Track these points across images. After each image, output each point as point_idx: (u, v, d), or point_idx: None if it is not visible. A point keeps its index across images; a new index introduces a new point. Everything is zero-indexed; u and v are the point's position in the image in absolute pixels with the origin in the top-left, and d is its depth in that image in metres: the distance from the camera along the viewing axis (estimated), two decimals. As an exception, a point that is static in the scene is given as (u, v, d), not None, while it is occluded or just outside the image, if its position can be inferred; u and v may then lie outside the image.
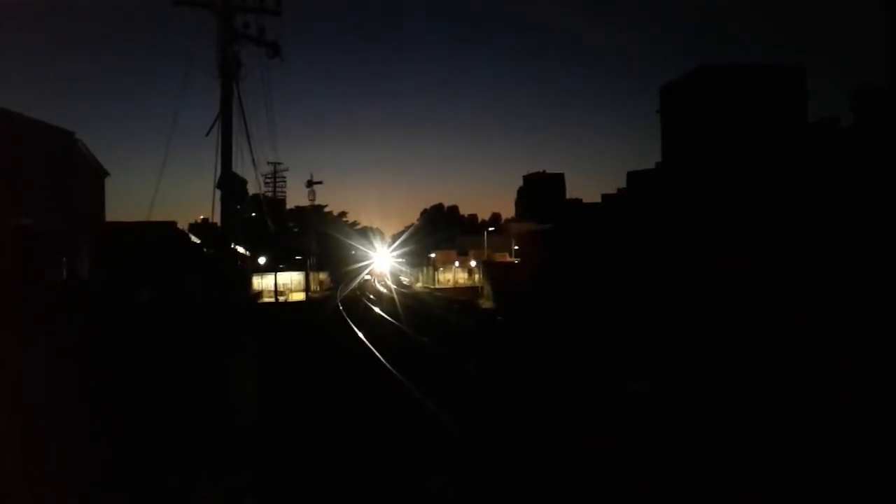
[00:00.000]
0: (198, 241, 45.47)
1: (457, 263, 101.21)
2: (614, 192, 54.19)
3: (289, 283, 71.99)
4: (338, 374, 20.39)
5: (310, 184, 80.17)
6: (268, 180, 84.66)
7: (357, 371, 21.00)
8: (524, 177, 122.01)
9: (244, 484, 9.96)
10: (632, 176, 47.33)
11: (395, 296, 68.55)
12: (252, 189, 22.66)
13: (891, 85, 28.27)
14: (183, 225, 54.20)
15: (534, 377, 18.23)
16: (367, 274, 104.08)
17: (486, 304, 54.39)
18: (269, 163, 73.13)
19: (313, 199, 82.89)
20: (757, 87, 41.44)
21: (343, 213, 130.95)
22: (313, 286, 79.55)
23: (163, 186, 51.99)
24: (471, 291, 70.30)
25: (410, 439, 12.55)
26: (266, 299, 61.68)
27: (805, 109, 42.36)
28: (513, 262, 72.20)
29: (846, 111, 35.35)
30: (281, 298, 62.27)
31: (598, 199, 55.49)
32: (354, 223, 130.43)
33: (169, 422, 12.83)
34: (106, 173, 37.96)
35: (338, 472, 10.71)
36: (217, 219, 18.27)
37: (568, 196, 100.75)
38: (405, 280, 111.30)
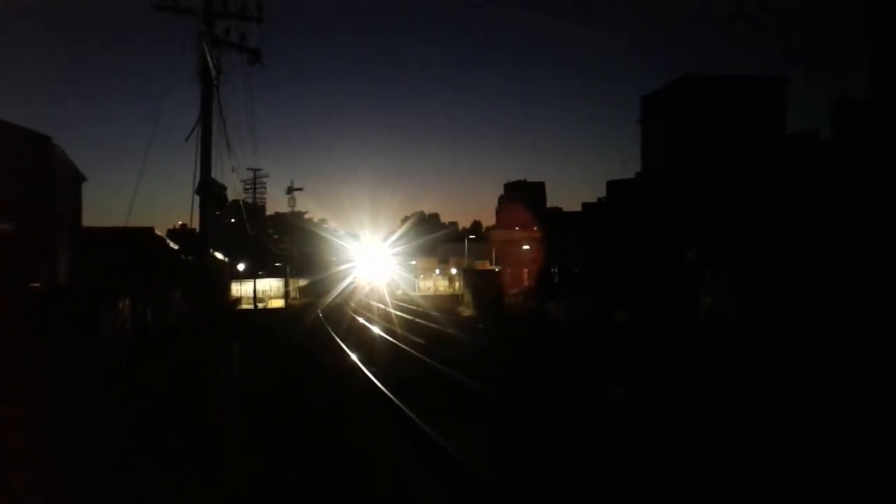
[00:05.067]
0: (176, 248, 45.10)
1: (437, 271, 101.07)
2: (594, 200, 54.32)
3: (268, 289, 71.55)
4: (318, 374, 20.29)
5: (290, 190, 79.80)
6: (247, 186, 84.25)
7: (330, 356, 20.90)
8: (505, 185, 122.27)
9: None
10: (612, 185, 47.56)
11: (377, 304, 68.36)
12: (231, 195, 22.54)
13: (870, 96, 28.64)
14: (161, 231, 53.72)
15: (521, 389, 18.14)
16: (352, 283, 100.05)
17: (466, 311, 54.31)
18: (248, 169, 72.83)
19: (293, 206, 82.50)
20: (737, 98, 41.91)
21: (323, 220, 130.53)
22: (293, 293, 79.07)
23: (141, 192, 51.69)
24: (451, 299, 70.21)
25: (399, 429, 12.51)
26: (245, 306, 61.28)
27: (784, 120, 42.88)
28: (493, 270, 72.26)
29: (827, 122, 35.86)
30: (260, 305, 61.91)
31: (579, 208, 55.66)
32: (335, 230, 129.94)
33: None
34: (83, 178, 37.58)
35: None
36: (196, 225, 18.18)
37: (549, 205, 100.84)
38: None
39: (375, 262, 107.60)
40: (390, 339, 31.37)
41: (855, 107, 28.82)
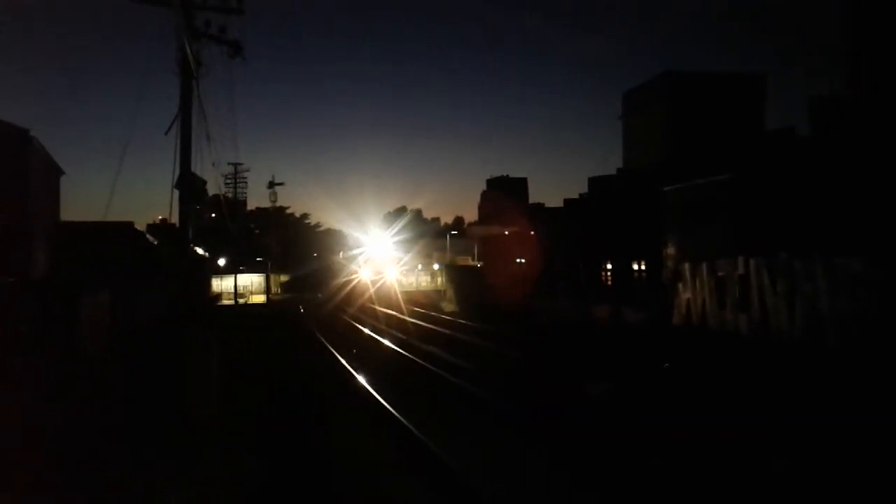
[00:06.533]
0: (155, 242, 44.78)
1: (419, 266, 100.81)
2: (576, 196, 54.48)
3: (249, 284, 71.18)
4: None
5: (271, 185, 79.52)
6: (228, 181, 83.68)
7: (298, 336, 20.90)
8: (487, 181, 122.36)
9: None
10: (593, 181, 47.75)
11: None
12: (212, 189, 22.43)
13: (847, 95, 28.97)
14: (141, 225, 53.24)
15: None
16: (352, 280, 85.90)
17: (448, 307, 54.38)
18: (229, 163, 72.30)
19: (275, 201, 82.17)
20: (717, 94, 42.21)
21: (305, 215, 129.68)
22: (274, 288, 78.72)
23: (120, 186, 51.21)
24: (434, 295, 70.18)
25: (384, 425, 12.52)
26: (226, 301, 60.95)
27: (763, 116, 43.26)
28: (475, 266, 72.30)
29: (804, 120, 36.29)
30: (241, 301, 61.60)
31: (561, 204, 55.81)
32: (317, 225, 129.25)
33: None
34: (61, 172, 37.21)
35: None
36: (175, 219, 18.05)
37: (531, 201, 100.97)
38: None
39: (381, 257, 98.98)
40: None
41: (831, 104, 29.13)
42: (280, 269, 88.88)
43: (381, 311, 45.20)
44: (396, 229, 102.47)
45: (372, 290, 63.15)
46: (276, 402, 16.29)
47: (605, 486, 9.62)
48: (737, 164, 28.42)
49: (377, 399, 15.32)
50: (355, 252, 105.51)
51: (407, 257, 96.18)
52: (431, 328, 34.29)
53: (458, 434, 12.60)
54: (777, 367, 18.75)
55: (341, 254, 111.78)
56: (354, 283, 74.44)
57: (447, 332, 32.03)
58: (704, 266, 25.85)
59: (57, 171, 36.50)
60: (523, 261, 54.29)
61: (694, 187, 29.57)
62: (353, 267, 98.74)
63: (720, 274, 24.95)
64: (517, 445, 12.06)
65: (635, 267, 37.88)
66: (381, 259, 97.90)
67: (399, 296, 55.14)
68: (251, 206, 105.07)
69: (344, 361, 21.82)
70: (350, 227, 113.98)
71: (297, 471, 10.62)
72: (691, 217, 29.62)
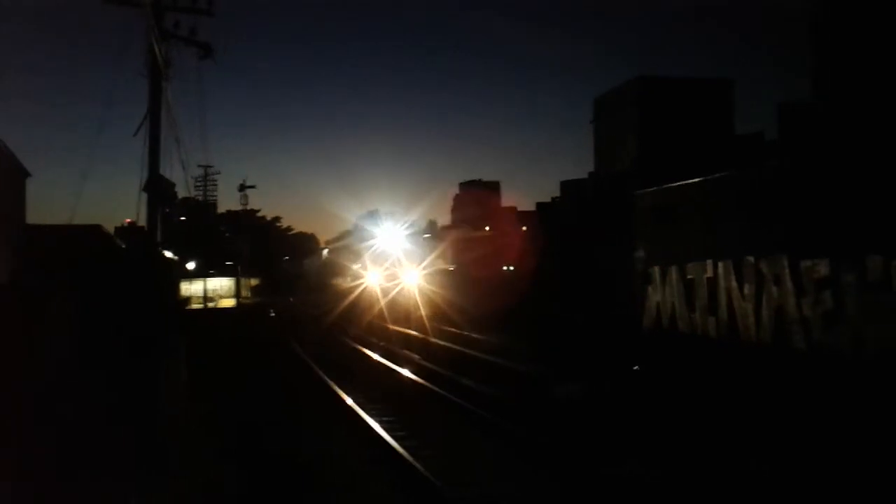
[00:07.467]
0: (123, 246, 44.25)
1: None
2: (549, 200, 54.70)
3: (219, 288, 70.57)
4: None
5: (242, 188, 78.93)
6: (198, 184, 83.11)
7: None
8: (460, 184, 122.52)
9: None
10: (565, 185, 48.03)
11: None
12: (182, 192, 22.24)
13: (813, 100, 29.37)
14: (110, 228, 52.48)
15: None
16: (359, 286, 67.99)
17: (420, 311, 54.33)
18: (199, 166, 71.71)
19: (246, 203, 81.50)
20: (688, 99, 42.57)
21: (277, 218, 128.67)
22: (244, 292, 78.13)
23: (88, 188, 50.69)
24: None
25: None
26: (195, 305, 60.36)
27: (732, 121, 43.75)
28: (448, 269, 72.30)
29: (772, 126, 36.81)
30: (210, 305, 61.10)
31: (533, 208, 56.07)
32: (289, 228, 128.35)
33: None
34: (27, 174, 36.59)
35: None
36: (144, 222, 17.90)
37: (504, 204, 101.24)
38: None
39: (395, 256, 77.03)
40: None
41: (800, 109, 29.50)
42: (251, 273, 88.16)
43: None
44: (409, 222, 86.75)
45: (383, 303, 52.51)
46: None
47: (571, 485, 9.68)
48: (706, 168, 28.66)
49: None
50: (360, 245, 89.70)
51: (431, 257, 78.81)
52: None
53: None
54: (740, 370, 18.95)
55: (326, 251, 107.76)
56: (360, 291, 63.62)
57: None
58: (674, 269, 26.03)
59: (23, 174, 35.87)
60: (498, 263, 54.46)
61: (664, 191, 29.73)
62: (356, 267, 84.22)
63: (689, 277, 25.13)
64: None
65: (607, 270, 38.02)
66: (395, 258, 76.45)
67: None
68: (221, 209, 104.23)
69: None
70: (319, 231, 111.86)
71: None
72: (661, 220, 29.77)
